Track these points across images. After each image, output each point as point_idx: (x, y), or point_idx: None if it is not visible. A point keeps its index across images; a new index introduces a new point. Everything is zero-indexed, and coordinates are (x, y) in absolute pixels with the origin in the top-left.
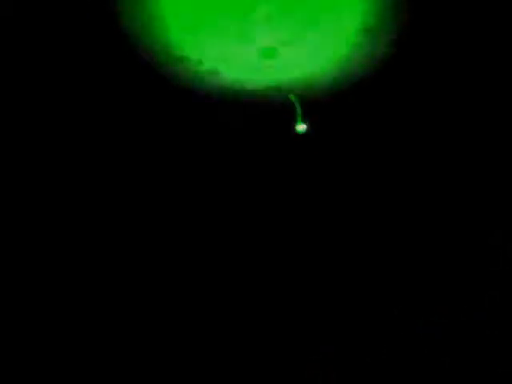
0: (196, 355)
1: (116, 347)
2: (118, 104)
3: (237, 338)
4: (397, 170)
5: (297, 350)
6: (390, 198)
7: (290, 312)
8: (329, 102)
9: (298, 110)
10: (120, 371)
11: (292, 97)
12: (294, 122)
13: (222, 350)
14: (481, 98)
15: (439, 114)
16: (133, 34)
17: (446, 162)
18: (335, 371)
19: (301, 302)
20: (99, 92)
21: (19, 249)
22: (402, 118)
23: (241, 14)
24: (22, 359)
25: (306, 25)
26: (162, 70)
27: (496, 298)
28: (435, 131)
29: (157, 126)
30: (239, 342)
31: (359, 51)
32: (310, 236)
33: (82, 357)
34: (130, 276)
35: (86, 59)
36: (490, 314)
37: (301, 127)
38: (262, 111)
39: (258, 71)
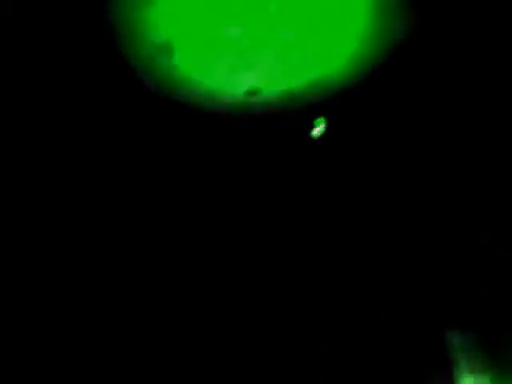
0: (196, 355)
1: (116, 347)
2: (113, 116)
3: (237, 338)
4: (398, 169)
5: (297, 350)
6: (388, 199)
7: (289, 312)
8: (340, 103)
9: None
10: (120, 371)
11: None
12: (308, 126)
13: (222, 350)
14: (475, 98)
15: (436, 116)
16: (127, 43)
17: (448, 160)
18: (335, 371)
19: (301, 302)
20: (92, 95)
21: (19, 249)
22: (410, 116)
23: (246, 19)
24: (21, 359)
25: (311, 26)
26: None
27: (484, 297)
28: (434, 131)
29: (158, 140)
30: (239, 342)
31: (366, 50)
32: (313, 236)
33: (82, 357)
34: (121, 286)
35: (82, 64)
36: (478, 313)
37: (317, 131)
38: (275, 117)
39: (264, 78)
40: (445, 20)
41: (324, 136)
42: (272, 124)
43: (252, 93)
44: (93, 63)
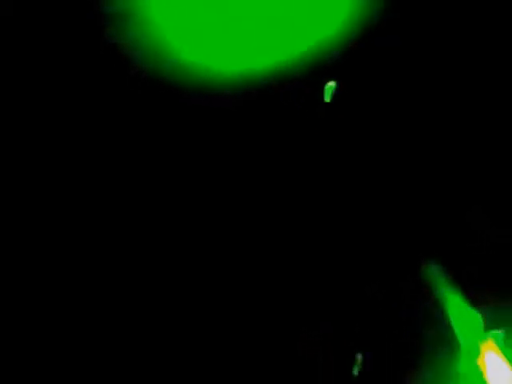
0: (193, 345)
1: (116, 347)
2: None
3: (232, 318)
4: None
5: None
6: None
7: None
8: (343, 66)
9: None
10: (120, 371)
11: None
12: (314, 92)
13: (218, 338)
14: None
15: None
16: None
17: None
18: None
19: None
20: (91, 91)
21: (19, 249)
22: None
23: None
24: (22, 359)
25: None
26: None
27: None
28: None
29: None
30: (235, 323)
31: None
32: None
33: (82, 357)
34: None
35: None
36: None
37: (328, 95)
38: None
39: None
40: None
41: (332, 100)
42: (277, 94)
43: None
44: (89, 58)
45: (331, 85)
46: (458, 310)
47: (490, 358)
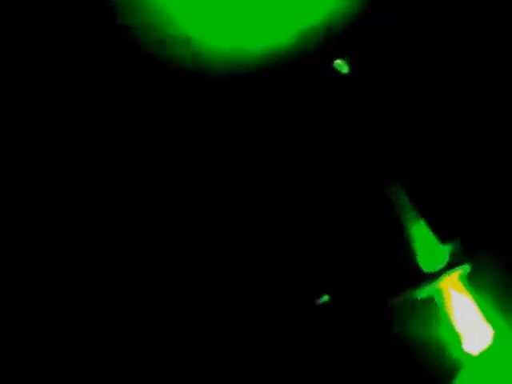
0: (193, 344)
1: (116, 347)
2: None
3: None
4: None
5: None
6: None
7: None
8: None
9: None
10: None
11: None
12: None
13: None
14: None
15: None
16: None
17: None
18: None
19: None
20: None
21: (19, 249)
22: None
23: None
24: (21, 359)
25: None
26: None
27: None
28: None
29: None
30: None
31: None
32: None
33: (82, 357)
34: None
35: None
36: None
37: (341, 69)
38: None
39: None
40: None
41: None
42: (290, 72)
43: None
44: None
45: (341, 61)
46: (426, 244)
47: (454, 291)
